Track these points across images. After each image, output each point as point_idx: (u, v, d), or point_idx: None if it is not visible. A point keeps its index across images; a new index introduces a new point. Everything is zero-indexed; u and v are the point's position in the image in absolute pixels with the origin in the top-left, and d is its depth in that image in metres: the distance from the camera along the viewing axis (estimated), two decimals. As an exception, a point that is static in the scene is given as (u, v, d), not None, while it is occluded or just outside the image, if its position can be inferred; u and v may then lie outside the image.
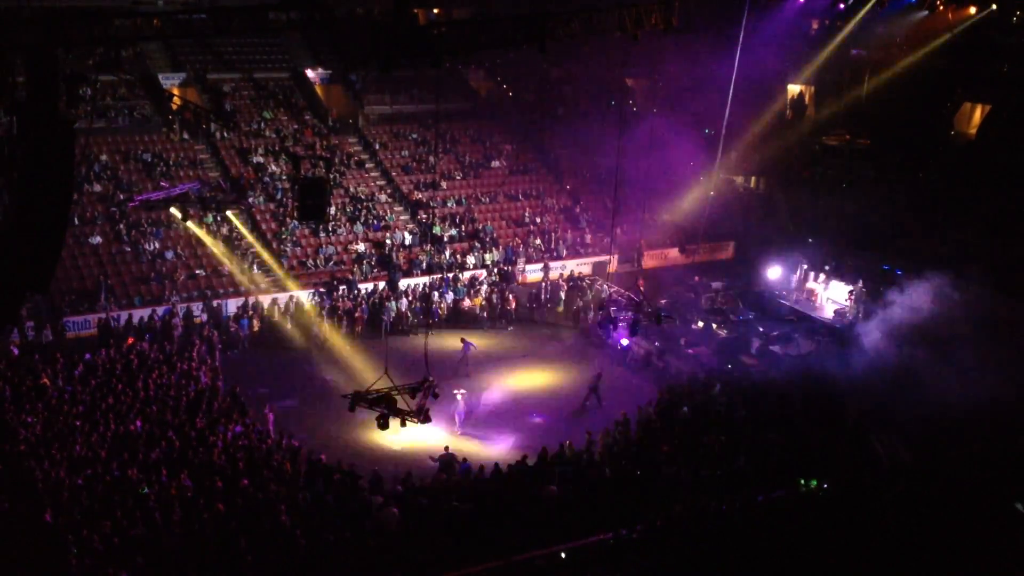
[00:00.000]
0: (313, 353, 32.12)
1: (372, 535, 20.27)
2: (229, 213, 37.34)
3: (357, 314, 34.23)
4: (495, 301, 36.19)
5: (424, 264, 38.44)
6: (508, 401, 29.41)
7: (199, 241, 36.29)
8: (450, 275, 37.53)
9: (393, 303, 34.64)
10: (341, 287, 35.67)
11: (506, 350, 33.64)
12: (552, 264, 40.55)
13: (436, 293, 35.81)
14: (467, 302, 35.89)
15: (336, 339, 33.07)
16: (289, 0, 20.87)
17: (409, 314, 34.81)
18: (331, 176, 39.75)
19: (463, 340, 31.33)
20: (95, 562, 18.07)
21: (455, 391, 27.51)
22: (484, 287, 37.32)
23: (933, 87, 39.68)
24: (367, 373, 27.52)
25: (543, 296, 37.55)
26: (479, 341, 32.83)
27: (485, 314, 35.82)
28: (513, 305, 36.17)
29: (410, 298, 35.49)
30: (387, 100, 48.10)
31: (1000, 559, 19.95)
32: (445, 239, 40.32)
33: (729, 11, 40.10)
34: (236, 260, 35.96)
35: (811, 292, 37.55)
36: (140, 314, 32.51)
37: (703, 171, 44.04)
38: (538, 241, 41.86)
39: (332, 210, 38.72)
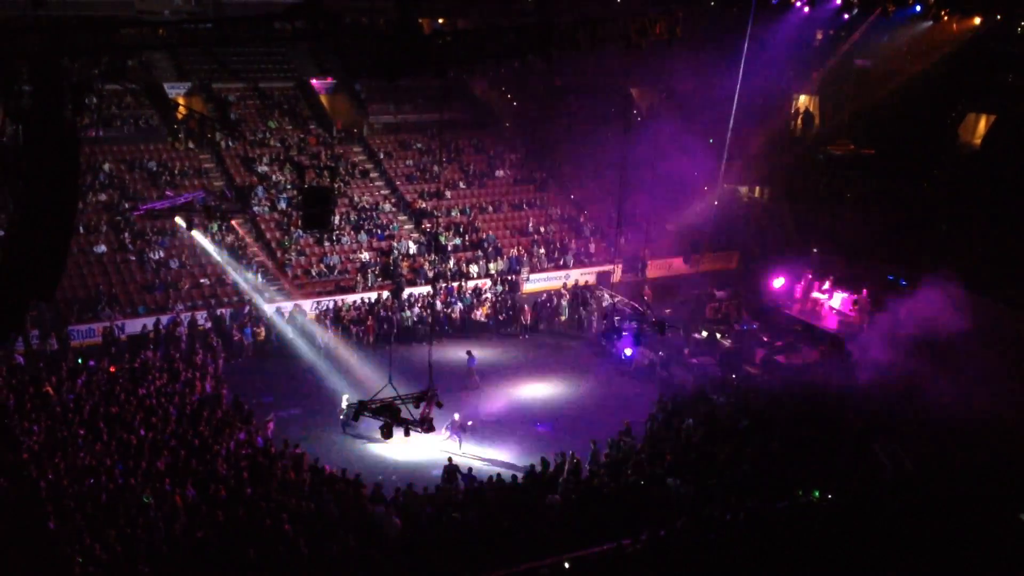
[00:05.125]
0: (317, 362, 32.11)
1: (375, 545, 20.24)
2: (234, 222, 37.41)
3: (369, 323, 34.23)
4: (500, 310, 36.19)
5: (431, 273, 38.44)
6: (512, 411, 29.36)
7: (204, 250, 36.33)
8: (454, 284, 37.54)
9: (405, 312, 34.62)
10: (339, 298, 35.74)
11: (510, 360, 33.61)
12: (556, 273, 40.58)
13: (441, 303, 35.84)
14: (454, 313, 35.85)
15: (340, 348, 33.04)
16: (294, 10, 20.88)
17: (404, 322, 34.78)
18: (336, 185, 39.79)
19: (468, 352, 31.28)
20: (98, 571, 18.05)
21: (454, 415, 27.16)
22: (488, 296, 37.27)
23: (938, 97, 39.68)
24: (371, 382, 27.53)
25: (548, 305, 37.50)
26: (484, 351, 32.79)
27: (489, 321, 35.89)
28: (529, 318, 36.19)
29: (417, 308, 35.47)
30: (391, 110, 48.20)
31: (1005, 571, 19.89)
32: (449, 248, 40.34)
33: (734, 21, 40.22)
34: (240, 269, 35.99)
35: (815, 302, 37.48)
36: (144, 323, 32.52)
37: (707, 181, 44.07)
38: (542, 250, 41.86)
39: (336, 219, 38.77)
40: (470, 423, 27.26)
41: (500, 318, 36.25)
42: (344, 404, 27.24)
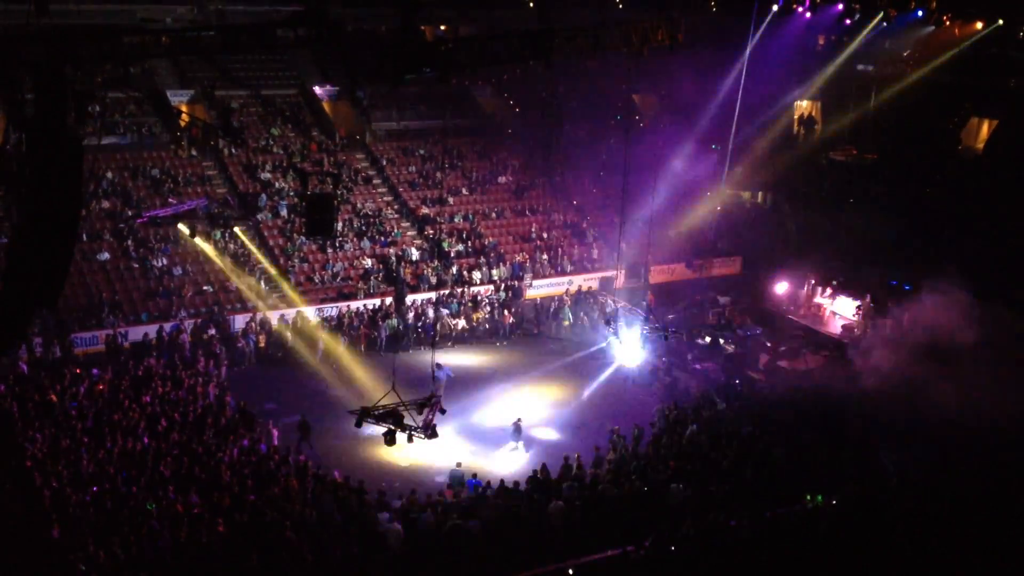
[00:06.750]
0: (320, 369, 32.10)
1: (378, 552, 20.22)
2: (237, 229, 37.43)
3: (363, 330, 34.25)
4: (496, 317, 36.19)
5: (434, 280, 38.42)
6: (515, 416, 29.29)
7: (207, 257, 36.34)
8: (458, 290, 37.53)
9: (391, 320, 34.64)
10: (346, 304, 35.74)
11: (512, 365, 33.58)
12: (559, 279, 40.59)
13: (432, 309, 35.80)
14: (456, 321, 35.89)
15: (343, 354, 33.03)
16: (297, 17, 20.96)
17: (406, 329, 34.81)
18: (338, 192, 39.80)
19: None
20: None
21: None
22: (486, 303, 37.22)
23: (940, 102, 39.71)
24: (374, 389, 27.51)
25: (550, 311, 37.49)
26: (480, 357, 32.68)
27: (486, 327, 35.94)
28: (509, 320, 36.19)
29: (411, 315, 35.47)
30: (394, 116, 48.24)
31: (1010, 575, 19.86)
32: (452, 255, 40.36)
33: (736, 27, 40.32)
34: (243, 276, 35.99)
35: (818, 307, 37.49)
36: (147, 330, 32.50)
37: (710, 186, 44.10)
38: (545, 256, 41.86)
39: (339, 226, 38.76)
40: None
41: (487, 327, 36.14)
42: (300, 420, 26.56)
